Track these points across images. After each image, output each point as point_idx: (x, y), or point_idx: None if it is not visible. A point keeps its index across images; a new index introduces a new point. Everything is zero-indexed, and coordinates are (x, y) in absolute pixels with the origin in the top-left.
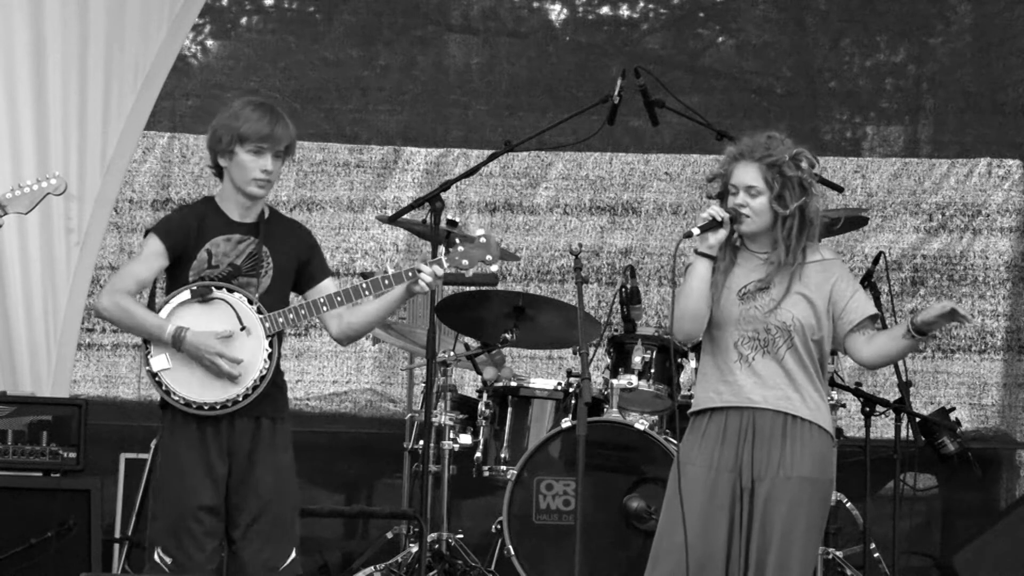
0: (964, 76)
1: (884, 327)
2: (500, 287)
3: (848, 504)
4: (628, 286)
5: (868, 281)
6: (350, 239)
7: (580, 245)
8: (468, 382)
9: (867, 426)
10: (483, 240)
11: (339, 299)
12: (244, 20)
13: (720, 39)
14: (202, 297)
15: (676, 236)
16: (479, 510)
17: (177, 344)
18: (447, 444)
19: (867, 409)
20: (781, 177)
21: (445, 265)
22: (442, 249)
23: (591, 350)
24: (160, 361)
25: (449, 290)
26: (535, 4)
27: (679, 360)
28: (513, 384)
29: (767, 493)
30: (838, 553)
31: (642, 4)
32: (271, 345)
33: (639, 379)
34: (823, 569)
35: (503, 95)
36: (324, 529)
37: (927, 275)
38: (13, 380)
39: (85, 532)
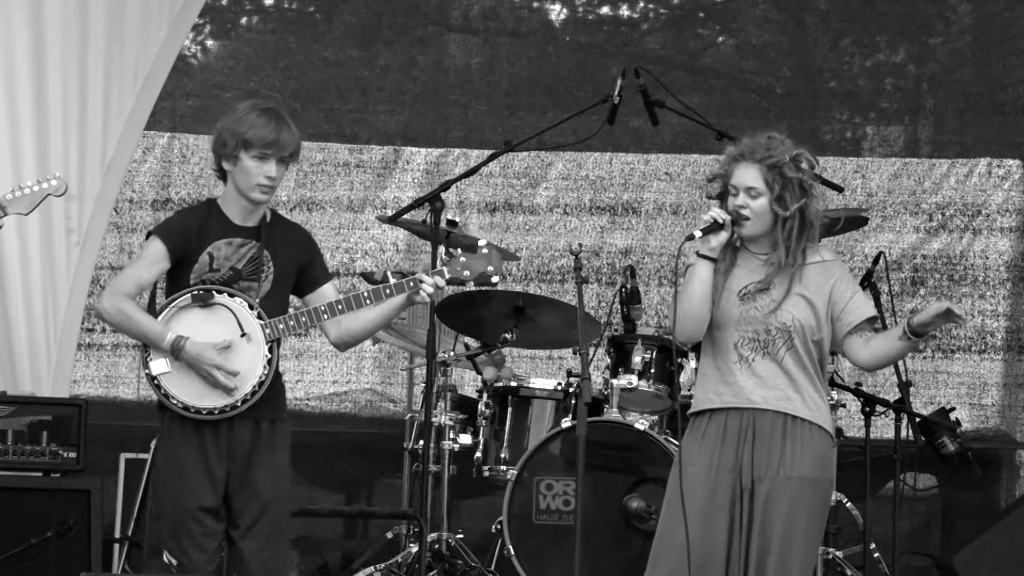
0: (964, 76)
1: (885, 328)
2: (500, 287)
3: (848, 504)
4: (628, 286)
5: (868, 281)
6: (350, 239)
7: (580, 245)
8: (468, 382)
9: (867, 426)
10: (485, 251)
11: (340, 307)
12: (244, 20)
13: (720, 39)
14: (203, 302)
15: (676, 236)
16: (479, 510)
17: (176, 353)
18: (447, 444)
19: (867, 409)
20: (781, 178)
21: (447, 275)
22: (442, 257)
23: (591, 350)
24: (159, 365)
25: (449, 290)
26: (535, 4)
27: (679, 360)
28: (513, 384)
29: (767, 493)
30: (838, 553)
31: (642, 4)
32: (271, 351)
33: (639, 379)
34: (823, 569)
35: (503, 95)
36: (324, 529)
37: (927, 275)
38: (13, 380)
39: (85, 532)
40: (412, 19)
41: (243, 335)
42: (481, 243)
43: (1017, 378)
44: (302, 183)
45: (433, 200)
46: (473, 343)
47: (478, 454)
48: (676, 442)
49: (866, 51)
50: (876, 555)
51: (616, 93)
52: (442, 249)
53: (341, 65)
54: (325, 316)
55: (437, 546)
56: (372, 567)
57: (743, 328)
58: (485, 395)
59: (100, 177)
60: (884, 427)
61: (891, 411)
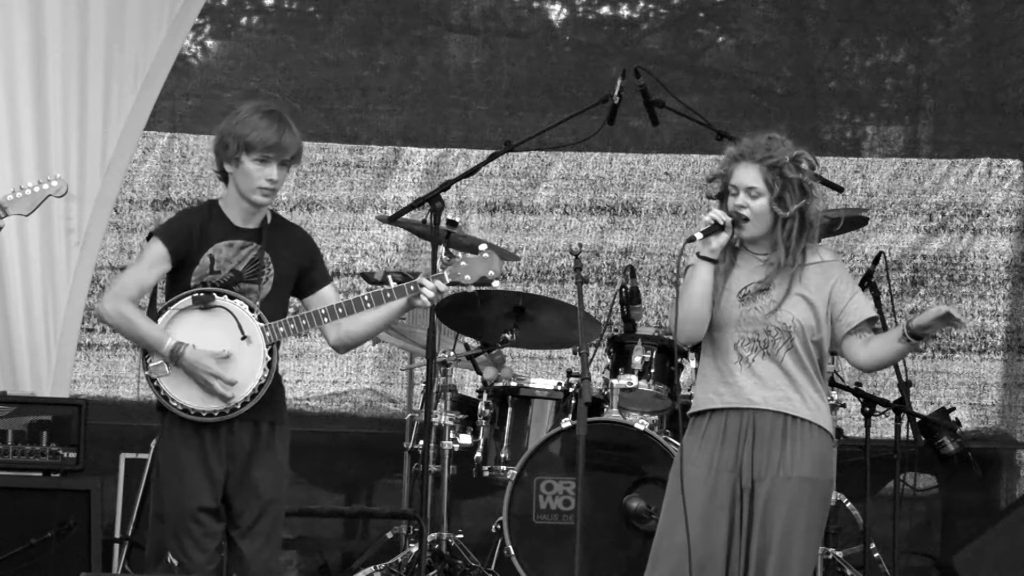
0: (964, 76)
1: (884, 329)
2: (500, 287)
3: (848, 504)
4: (628, 286)
5: (868, 281)
6: (350, 239)
7: (580, 245)
8: (468, 382)
9: (867, 426)
10: (486, 255)
11: (341, 310)
12: (244, 20)
13: (720, 39)
14: (204, 304)
15: (676, 236)
16: (479, 510)
17: (175, 359)
18: (447, 444)
19: (867, 409)
20: (781, 179)
21: (447, 279)
22: (443, 258)
23: (591, 350)
24: (159, 367)
25: (449, 291)
26: (535, 4)
27: (679, 360)
28: (513, 384)
29: (767, 493)
30: (838, 553)
31: (642, 4)
32: (271, 354)
33: (639, 379)
34: (823, 569)
35: (503, 95)
36: (324, 529)
37: (927, 275)
38: (13, 380)
39: (85, 532)
40: (412, 19)
41: (243, 338)
42: (482, 246)
43: (1017, 378)
44: (302, 183)
45: (433, 200)
46: (473, 343)
47: (478, 454)
48: (676, 442)
49: (866, 51)
50: (876, 555)
51: (616, 93)
52: (442, 249)
53: (341, 65)
54: (325, 319)
55: (437, 546)
56: (372, 567)
57: (743, 328)
58: (485, 395)
59: (100, 177)
60: (884, 427)
61: (891, 411)
